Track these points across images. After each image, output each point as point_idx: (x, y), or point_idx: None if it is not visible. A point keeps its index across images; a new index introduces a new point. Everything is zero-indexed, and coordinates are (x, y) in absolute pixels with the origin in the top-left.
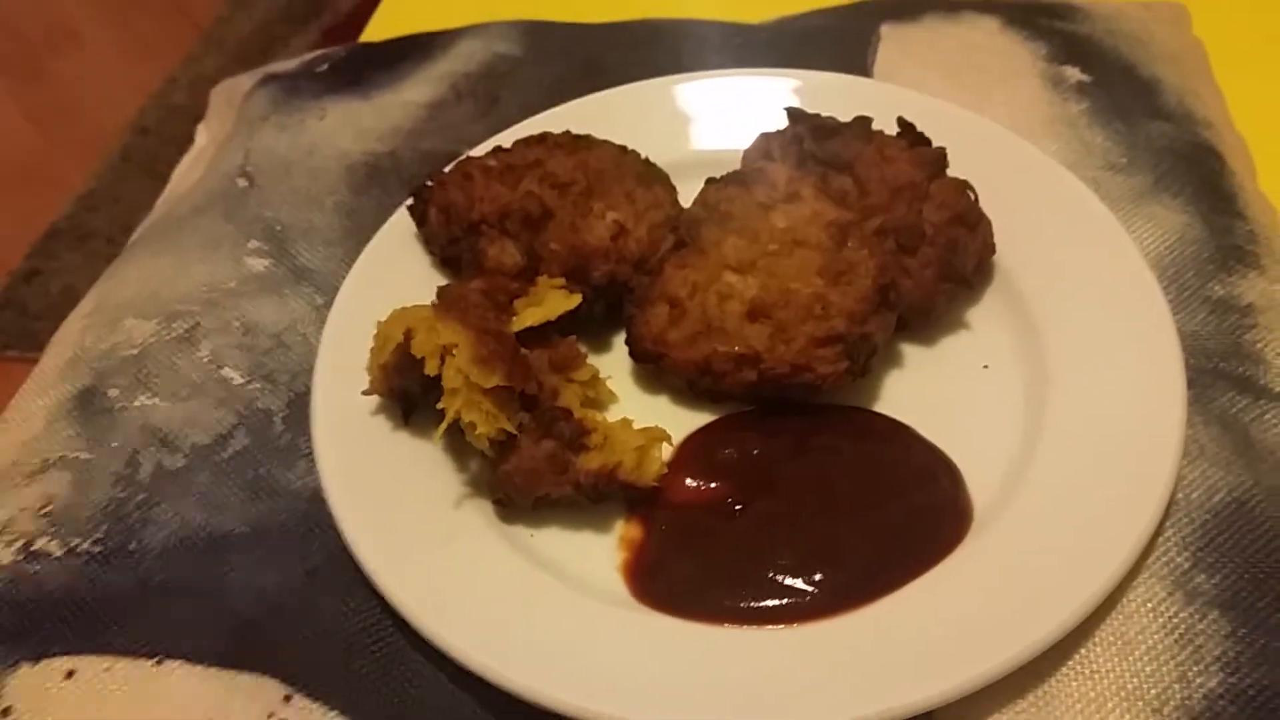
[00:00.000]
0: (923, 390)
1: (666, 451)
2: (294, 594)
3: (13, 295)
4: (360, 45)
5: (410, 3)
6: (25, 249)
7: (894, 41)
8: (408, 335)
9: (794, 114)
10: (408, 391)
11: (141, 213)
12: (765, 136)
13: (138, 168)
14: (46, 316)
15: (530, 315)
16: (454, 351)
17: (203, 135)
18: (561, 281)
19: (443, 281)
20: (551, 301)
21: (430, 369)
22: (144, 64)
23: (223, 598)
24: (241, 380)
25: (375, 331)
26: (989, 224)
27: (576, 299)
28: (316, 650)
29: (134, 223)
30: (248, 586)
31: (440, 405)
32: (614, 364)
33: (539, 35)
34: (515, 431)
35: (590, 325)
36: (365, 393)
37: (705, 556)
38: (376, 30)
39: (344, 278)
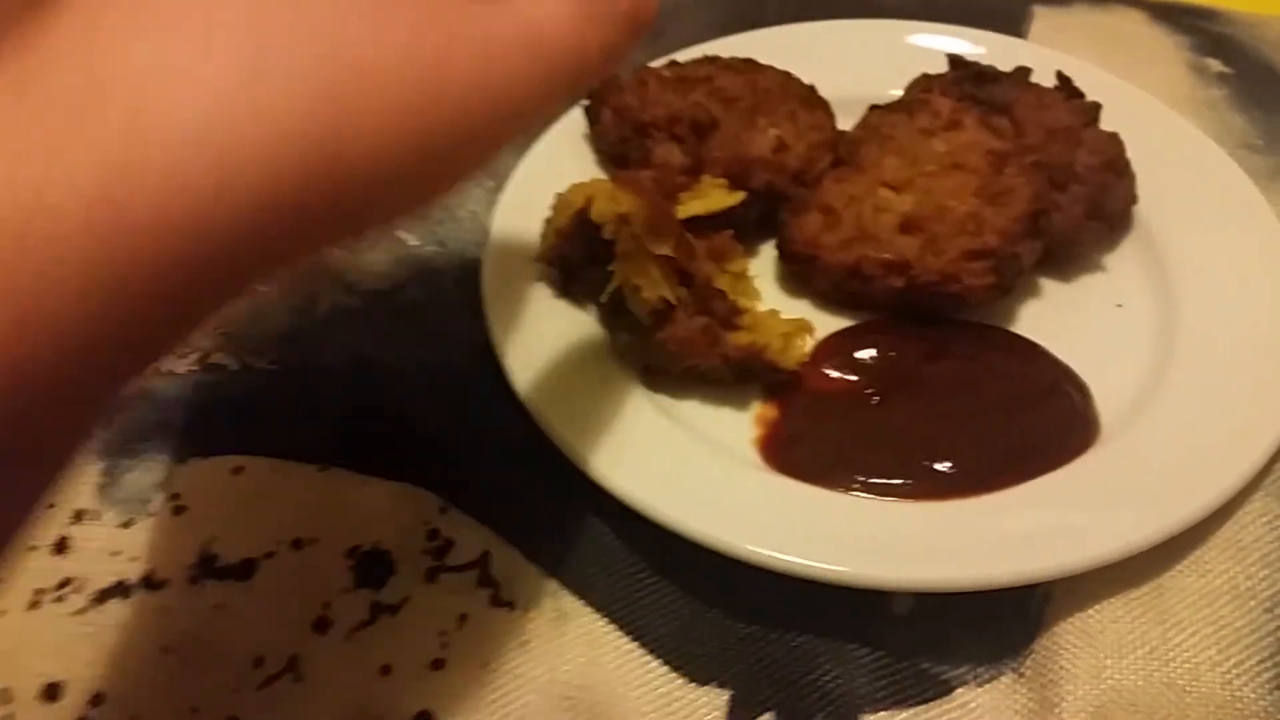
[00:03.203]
0: (1058, 319)
1: (808, 344)
2: (457, 423)
3: None
4: None
5: None
6: None
7: (1045, 21)
8: (588, 202)
9: (955, 60)
10: (572, 262)
11: None
12: (927, 76)
13: None
14: None
15: (694, 206)
16: (629, 220)
17: None
18: (724, 181)
19: (607, 177)
20: (715, 196)
21: (607, 232)
22: None
23: (389, 418)
24: (417, 243)
25: (553, 202)
26: (1134, 176)
27: (740, 195)
28: (473, 471)
29: None
30: (413, 411)
31: (610, 268)
32: (760, 269)
33: None
34: (674, 302)
35: (744, 230)
36: (536, 259)
37: (839, 436)
38: None
39: (514, 168)
